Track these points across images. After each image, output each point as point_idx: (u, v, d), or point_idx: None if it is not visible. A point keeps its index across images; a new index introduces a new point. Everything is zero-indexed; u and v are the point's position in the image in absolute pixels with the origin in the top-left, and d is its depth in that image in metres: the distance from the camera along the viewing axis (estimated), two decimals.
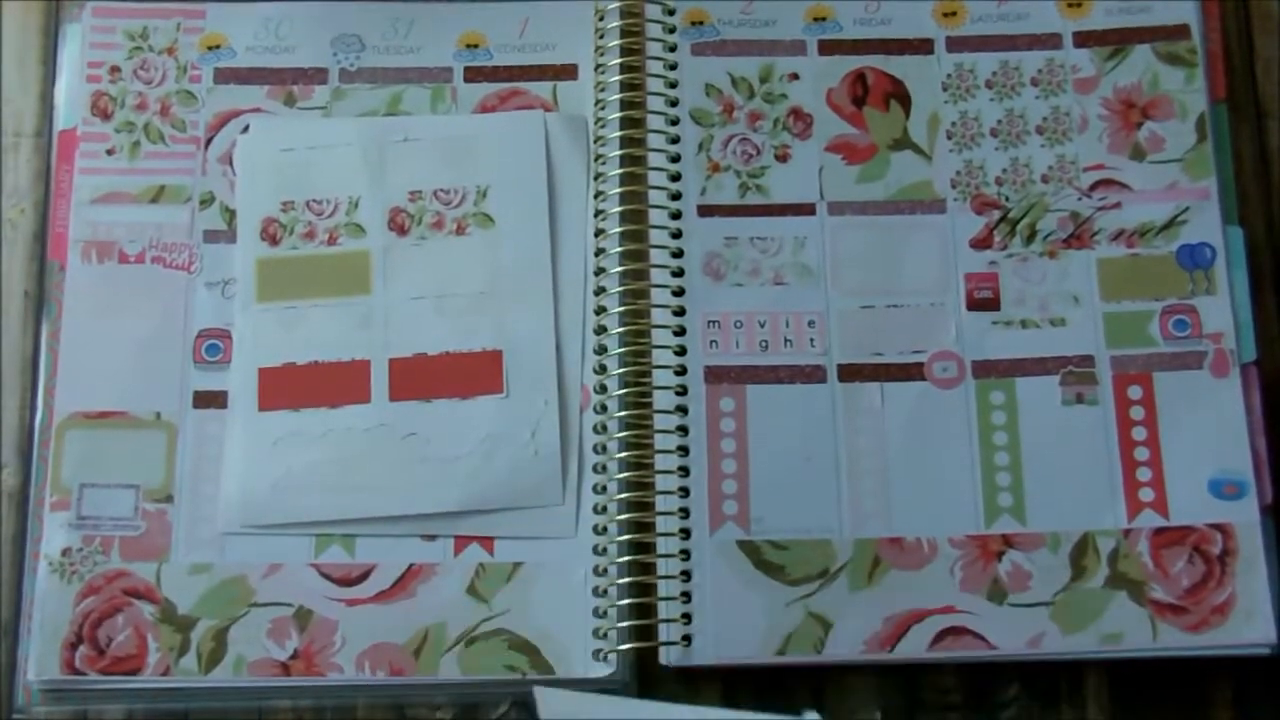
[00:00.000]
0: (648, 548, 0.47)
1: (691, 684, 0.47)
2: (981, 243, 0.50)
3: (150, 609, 0.47)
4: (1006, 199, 0.51)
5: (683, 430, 0.48)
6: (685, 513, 0.48)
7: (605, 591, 0.47)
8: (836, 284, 0.50)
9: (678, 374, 0.49)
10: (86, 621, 0.47)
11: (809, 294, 0.50)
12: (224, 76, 0.52)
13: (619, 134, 0.51)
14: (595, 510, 0.48)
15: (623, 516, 0.47)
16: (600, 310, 0.49)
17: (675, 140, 0.51)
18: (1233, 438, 0.48)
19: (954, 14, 0.53)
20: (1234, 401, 0.48)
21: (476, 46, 0.53)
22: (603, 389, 0.49)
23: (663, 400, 0.48)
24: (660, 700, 0.47)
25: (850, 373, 0.49)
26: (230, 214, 0.51)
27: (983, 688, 0.47)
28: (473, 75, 0.53)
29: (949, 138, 0.51)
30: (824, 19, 0.53)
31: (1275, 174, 0.52)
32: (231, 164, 0.51)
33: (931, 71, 0.52)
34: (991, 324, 0.49)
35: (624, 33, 0.52)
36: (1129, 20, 0.52)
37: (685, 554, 0.47)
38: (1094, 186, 0.51)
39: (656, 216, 0.50)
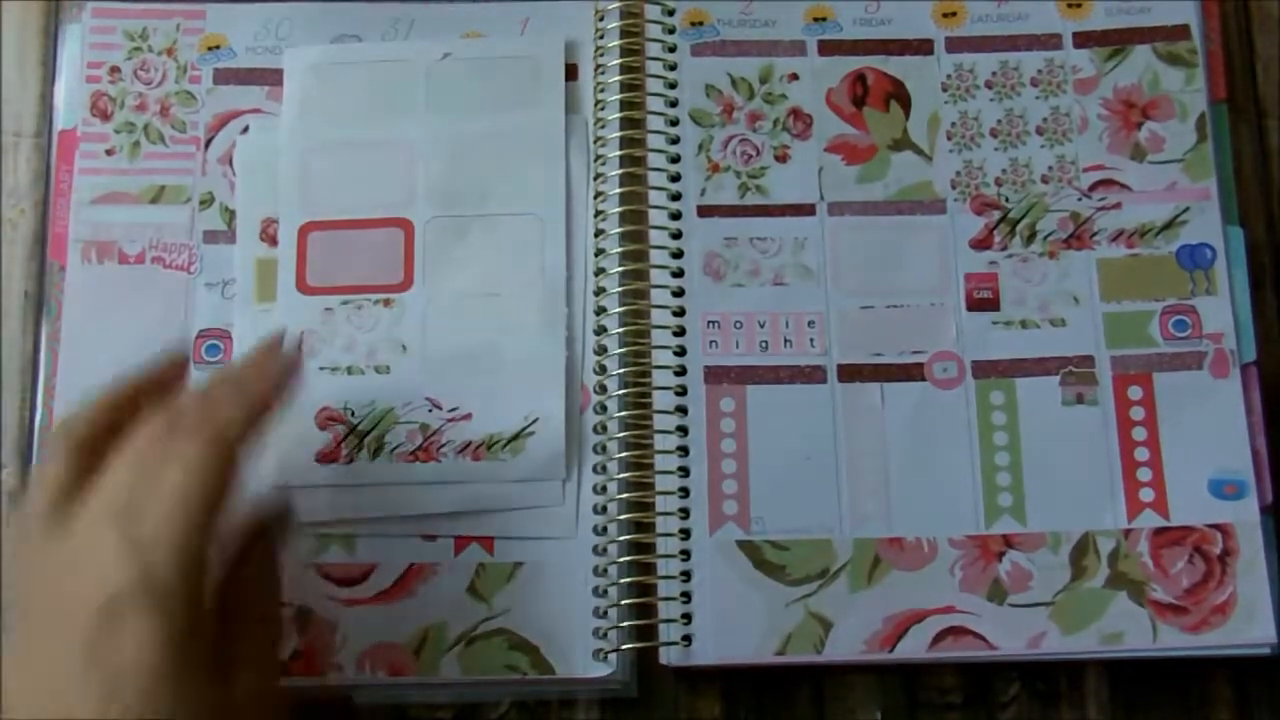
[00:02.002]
0: (648, 548, 0.47)
1: (692, 684, 0.47)
2: (981, 243, 0.50)
3: None
4: (1006, 199, 0.51)
5: (683, 430, 0.48)
6: (685, 513, 0.48)
7: (605, 591, 0.47)
8: (836, 284, 0.50)
9: (678, 374, 0.49)
10: None
11: (809, 294, 0.50)
12: (224, 77, 0.52)
13: (619, 134, 0.51)
14: (595, 510, 0.48)
15: (623, 516, 0.47)
16: (600, 310, 0.50)
17: (675, 140, 0.51)
18: (1233, 438, 0.48)
19: (954, 14, 0.53)
20: (1234, 401, 0.48)
21: None
22: (603, 389, 0.49)
23: (663, 400, 0.49)
24: (661, 700, 0.47)
25: (850, 373, 0.49)
26: (230, 214, 0.51)
27: (983, 687, 0.48)
28: None
29: (949, 138, 0.51)
30: (824, 19, 0.53)
31: (1275, 174, 0.52)
32: (231, 165, 0.51)
33: (931, 72, 0.52)
34: (991, 324, 0.49)
35: (624, 33, 0.52)
36: (1129, 20, 0.52)
37: (685, 554, 0.47)
38: (1094, 187, 0.51)
39: (656, 216, 0.50)
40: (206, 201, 0.51)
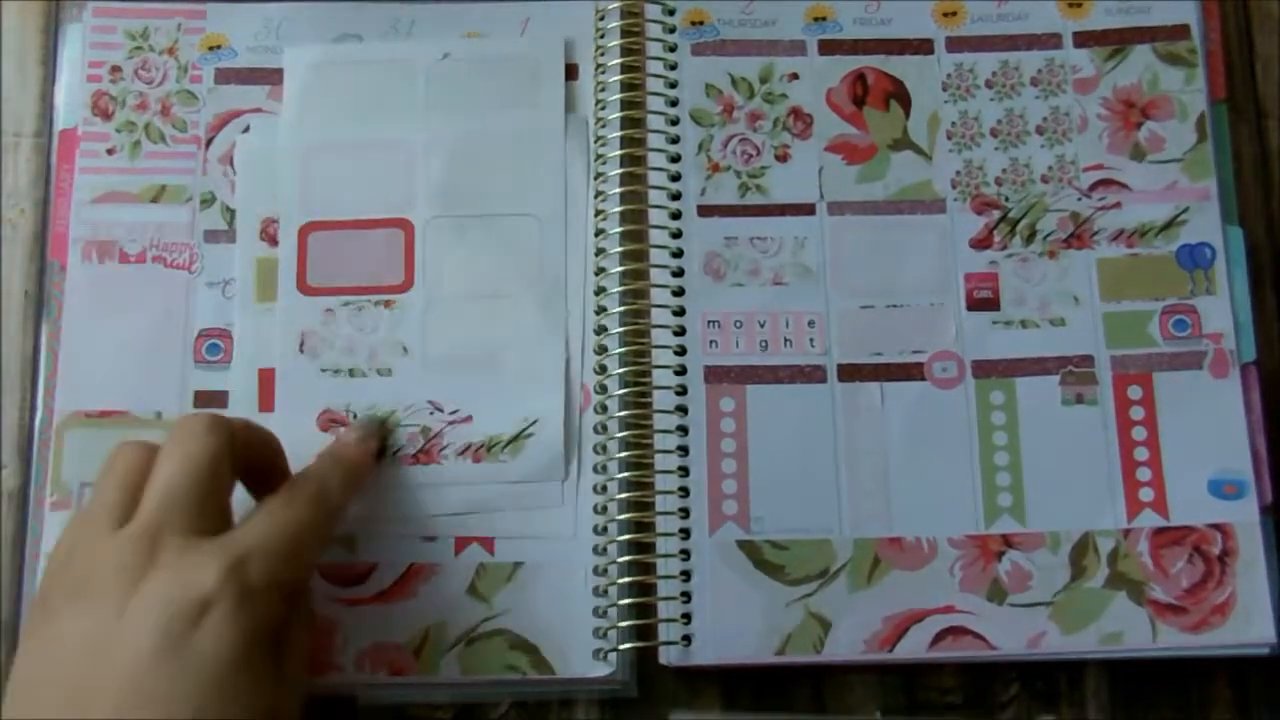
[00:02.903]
0: (648, 548, 0.47)
1: (691, 684, 0.47)
2: (981, 243, 0.50)
3: None
4: (1006, 199, 0.51)
5: (682, 430, 0.48)
6: (685, 513, 0.48)
7: (605, 591, 0.47)
8: (836, 284, 0.50)
9: (678, 374, 0.49)
10: None
11: (809, 294, 0.50)
12: (225, 77, 0.52)
13: (619, 134, 0.51)
14: (595, 510, 0.48)
15: (623, 516, 0.47)
16: (600, 310, 0.50)
17: (675, 140, 0.51)
18: (1232, 437, 0.48)
19: (954, 14, 0.53)
20: (1234, 401, 0.48)
21: None
22: (603, 389, 0.49)
23: (663, 400, 0.49)
24: (661, 700, 0.47)
25: (850, 372, 0.49)
26: (231, 214, 0.51)
27: (982, 687, 0.48)
28: None
29: (949, 138, 0.51)
30: (824, 19, 0.53)
31: (1275, 174, 0.52)
32: (232, 164, 0.51)
33: (931, 71, 0.52)
34: (991, 324, 0.49)
35: (624, 33, 0.52)
36: (1129, 20, 0.52)
37: (685, 554, 0.47)
38: (1094, 186, 0.51)
39: (656, 216, 0.50)
40: (207, 201, 0.51)
